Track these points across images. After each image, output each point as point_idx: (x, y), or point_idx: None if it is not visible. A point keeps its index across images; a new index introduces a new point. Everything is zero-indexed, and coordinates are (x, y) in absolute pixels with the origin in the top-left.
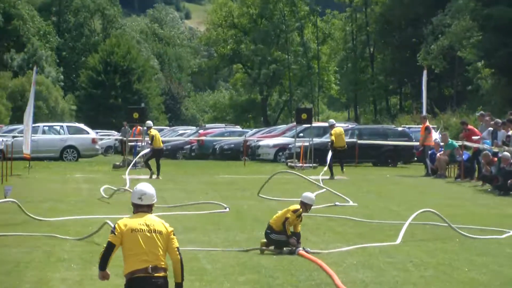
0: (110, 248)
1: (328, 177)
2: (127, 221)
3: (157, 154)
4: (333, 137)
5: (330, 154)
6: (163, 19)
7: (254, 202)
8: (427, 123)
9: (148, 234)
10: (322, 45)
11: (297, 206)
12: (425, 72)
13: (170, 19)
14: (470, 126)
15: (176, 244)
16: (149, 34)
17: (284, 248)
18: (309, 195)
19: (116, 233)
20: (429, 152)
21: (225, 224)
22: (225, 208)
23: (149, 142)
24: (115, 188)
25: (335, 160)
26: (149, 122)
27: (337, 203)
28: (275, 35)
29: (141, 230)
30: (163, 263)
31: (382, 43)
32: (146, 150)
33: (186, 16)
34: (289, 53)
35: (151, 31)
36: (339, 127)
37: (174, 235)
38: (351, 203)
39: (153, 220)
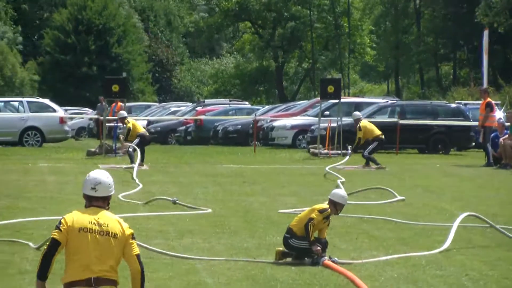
0: (54, 247)
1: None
2: (76, 216)
3: (144, 141)
4: (360, 134)
5: (373, 145)
6: None
7: (266, 199)
8: (489, 98)
9: (99, 237)
10: None
11: (325, 205)
12: (486, 33)
13: None
14: None
15: (136, 250)
16: None
17: (306, 258)
18: (340, 192)
19: (61, 229)
20: (491, 135)
21: (230, 227)
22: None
23: (124, 137)
24: (171, 199)
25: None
26: (123, 112)
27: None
28: None
29: (91, 230)
30: (113, 275)
31: None
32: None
33: None
34: (312, 8)
35: None
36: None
37: (134, 239)
38: (398, 197)
39: (108, 219)
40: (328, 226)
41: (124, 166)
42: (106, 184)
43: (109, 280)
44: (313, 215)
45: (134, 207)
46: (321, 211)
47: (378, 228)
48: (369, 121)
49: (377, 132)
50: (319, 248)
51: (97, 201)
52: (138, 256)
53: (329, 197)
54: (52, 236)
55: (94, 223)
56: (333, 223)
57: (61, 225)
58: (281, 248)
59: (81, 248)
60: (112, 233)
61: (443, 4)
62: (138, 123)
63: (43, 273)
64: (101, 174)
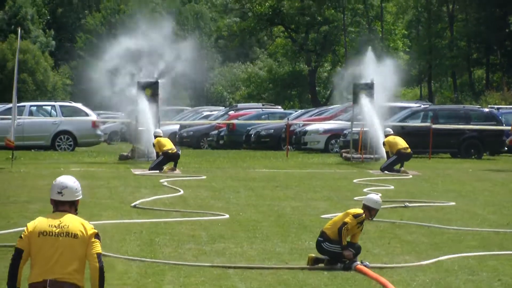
0: (17, 256)
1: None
2: (38, 221)
3: (169, 158)
4: (387, 148)
5: (392, 159)
6: None
7: (299, 203)
8: None
9: (58, 238)
10: (387, 2)
11: (360, 210)
12: None
13: None
14: None
15: (97, 249)
16: None
17: (338, 264)
18: (374, 197)
19: (23, 236)
20: None
21: (262, 232)
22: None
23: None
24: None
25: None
26: (158, 131)
27: (407, 203)
28: None
29: (50, 233)
30: (75, 278)
31: None
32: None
33: None
34: (346, 12)
35: None
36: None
37: (97, 238)
38: (449, 203)
39: (70, 221)
40: (362, 231)
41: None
42: (73, 189)
43: (68, 283)
44: (348, 220)
45: (166, 213)
46: (356, 216)
47: (410, 233)
48: (402, 125)
49: (400, 146)
50: (350, 252)
51: (63, 206)
52: (98, 254)
53: (363, 202)
54: (16, 245)
55: (54, 226)
56: (365, 228)
57: (23, 232)
58: (313, 254)
59: (40, 251)
60: (72, 233)
61: (477, 8)
62: (165, 140)
63: (12, 282)
64: (68, 179)
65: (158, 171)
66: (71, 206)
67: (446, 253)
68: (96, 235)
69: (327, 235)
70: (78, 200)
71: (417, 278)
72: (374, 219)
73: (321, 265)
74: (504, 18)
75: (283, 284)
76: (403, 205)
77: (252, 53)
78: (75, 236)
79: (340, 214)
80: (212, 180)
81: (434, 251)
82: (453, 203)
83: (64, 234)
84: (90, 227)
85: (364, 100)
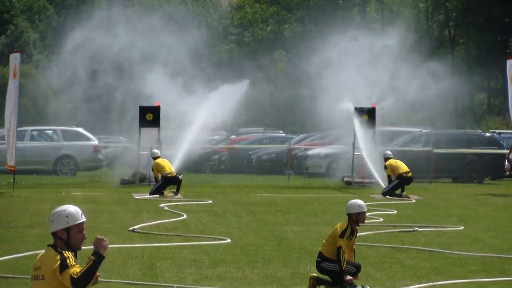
0: None
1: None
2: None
3: (169, 182)
4: (388, 172)
5: (393, 183)
6: None
7: (300, 228)
8: None
9: (33, 282)
10: (388, 26)
11: (343, 225)
12: (510, 62)
13: None
14: None
15: (67, 280)
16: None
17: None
18: (354, 202)
19: None
20: None
21: (264, 256)
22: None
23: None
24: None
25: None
26: (156, 152)
27: (416, 228)
28: (329, 13)
29: (31, 277)
30: None
31: (465, 23)
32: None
33: None
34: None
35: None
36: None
37: (63, 269)
38: (458, 227)
39: (44, 258)
40: (356, 237)
41: (165, 205)
42: (50, 220)
43: None
44: (340, 244)
45: (168, 237)
46: (342, 235)
47: (412, 257)
48: (403, 150)
49: (401, 170)
50: (351, 278)
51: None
52: (72, 279)
53: (346, 213)
54: None
55: (34, 268)
56: (366, 253)
57: None
58: (315, 274)
59: None
60: (40, 275)
61: (478, 33)
62: (164, 162)
63: None
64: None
65: (158, 195)
66: (55, 238)
67: (448, 278)
68: (61, 267)
69: (324, 255)
70: (58, 231)
71: None
72: (375, 244)
73: (322, 287)
74: (505, 43)
75: None
76: (413, 229)
77: (254, 77)
78: (42, 277)
79: (330, 232)
80: (214, 205)
81: (435, 276)
82: (461, 227)
83: (34, 277)
84: (54, 263)
85: (359, 124)
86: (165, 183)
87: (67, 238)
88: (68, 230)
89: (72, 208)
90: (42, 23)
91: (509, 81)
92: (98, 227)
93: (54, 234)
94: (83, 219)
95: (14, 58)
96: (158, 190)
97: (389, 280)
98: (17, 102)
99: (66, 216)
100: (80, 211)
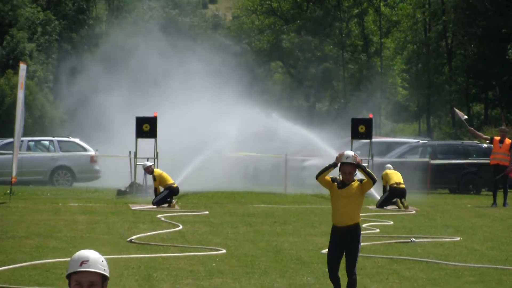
0: None
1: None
2: None
3: (174, 192)
4: (384, 182)
5: (385, 195)
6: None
7: (297, 239)
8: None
9: None
10: (386, 38)
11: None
12: None
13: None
14: None
15: None
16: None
17: None
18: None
19: None
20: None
21: (260, 267)
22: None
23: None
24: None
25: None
26: (147, 163)
27: (413, 239)
28: (327, 24)
29: None
30: None
31: (463, 34)
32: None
33: (210, 0)
34: (345, 48)
35: (169, 18)
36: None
37: None
38: (454, 238)
39: None
40: (366, 183)
41: (161, 216)
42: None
43: None
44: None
45: (165, 248)
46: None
47: (409, 268)
48: (400, 161)
49: (392, 181)
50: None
51: None
52: None
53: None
54: None
55: None
56: (363, 264)
57: None
58: None
59: None
60: None
61: (475, 43)
62: (165, 174)
63: None
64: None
65: (167, 205)
66: None
67: None
68: None
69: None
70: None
71: None
72: (371, 255)
73: None
74: (502, 54)
75: None
76: (410, 240)
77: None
78: None
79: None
80: (210, 216)
81: (432, 287)
82: (458, 238)
83: None
84: None
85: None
86: (170, 193)
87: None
88: (69, 278)
89: (78, 253)
90: (44, 36)
91: None
92: (95, 238)
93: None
94: (83, 269)
95: (22, 70)
96: (163, 200)
97: None
98: (22, 113)
99: (69, 261)
100: (86, 258)
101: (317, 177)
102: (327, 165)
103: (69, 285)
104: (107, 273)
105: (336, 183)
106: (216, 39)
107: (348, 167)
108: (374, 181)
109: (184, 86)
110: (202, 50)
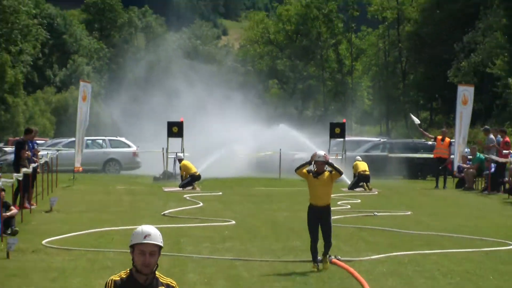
0: None
1: (363, 192)
2: None
3: (195, 179)
4: (354, 170)
5: (354, 180)
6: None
7: (289, 213)
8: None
9: None
10: (356, 61)
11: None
12: (460, 88)
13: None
14: (507, 138)
15: None
16: (190, 51)
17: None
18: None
19: None
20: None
21: (261, 234)
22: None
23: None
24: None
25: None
26: (180, 155)
27: (375, 213)
28: (311, 51)
29: None
30: None
31: (414, 59)
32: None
33: (223, 33)
34: (325, 69)
35: (193, 47)
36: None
37: None
38: (407, 212)
39: None
40: (332, 174)
41: (187, 195)
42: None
43: None
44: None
45: (189, 220)
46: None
47: (373, 235)
48: (366, 155)
49: (360, 169)
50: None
51: None
52: None
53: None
54: None
55: None
56: (338, 231)
57: None
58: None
59: None
60: None
61: (423, 66)
62: (190, 164)
63: None
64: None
65: (191, 187)
66: None
67: (399, 250)
68: None
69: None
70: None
71: (377, 269)
72: (346, 225)
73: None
74: (444, 74)
75: (277, 273)
76: (373, 214)
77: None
78: None
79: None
80: (223, 196)
81: (390, 249)
82: (409, 213)
83: None
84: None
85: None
86: (192, 180)
87: (132, 257)
88: (132, 249)
89: (141, 228)
90: (98, 61)
91: (459, 102)
92: (136, 213)
93: None
94: (146, 241)
95: (84, 86)
96: (188, 184)
97: (355, 252)
98: (85, 119)
99: (132, 234)
100: (149, 233)
101: (296, 170)
102: (303, 162)
103: (132, 252)
104: (162, 245)
105: (311, 174)
106: (227, 63)
107: (319, 163)
108: (340, 173)
109: (204, 97)
110: (217, 71)
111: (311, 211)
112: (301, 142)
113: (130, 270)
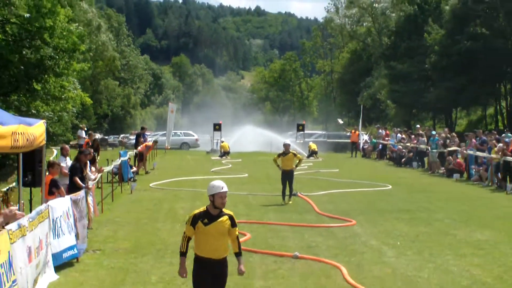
0: None
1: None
2: None
3: (227, 153)
4: (309, 148)
5: (308, 153)
6: (231, 79)
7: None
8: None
9: None
10: (310, 92)
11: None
12: (362, 107)
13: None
14: (388, 132)
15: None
16: (225, 87)
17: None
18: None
19: None
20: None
21: (264, 182)
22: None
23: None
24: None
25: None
26: (223, 140)
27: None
28: (288, 86)
29: None
30: None
31: (341, 90)
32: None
33: (241, 77)
34: (294, 95)
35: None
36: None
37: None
38: (335, 170)
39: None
40: (295, 156)
41: (224, 161)
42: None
43: None
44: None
45: (224, 173)
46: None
47: (317, 181)
48: (315, 140)
49: (312, 147)
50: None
51: None
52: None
53: None
54: None
55: None
56: (300, 179)
57: None
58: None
59: None
60: None
61: (345, 95)
62: (226, 144)
63: None
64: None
65: (225, 157)
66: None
67: (333, 189)
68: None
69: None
70: (209, 196)
71: (322, 199)
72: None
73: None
74: (356, 98)
75: (270, 203)
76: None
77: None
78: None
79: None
80: (243, 162)
81: (329, 188)
82: (337, 170)
83: None
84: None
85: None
86: (226, 153)
87: (212, 201)
88: (212, 196)
89: (217, 182)
90: (178, 92)
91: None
92: (195, 169)
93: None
94: (223, 190)
95: (172, 106)
96: (223, 155)
97: (310, 190)
98: (171, 122)
99: (212, 186)
100: (223, 186)
101: (273, 159)
102: (279, 153)
103: (213, 200)
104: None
105: (281, 155)
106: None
107: (286, 146)
108: (301, 157)
109: (231, 111)
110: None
111: (282, 174)
112: (268, 135)
113: (207, 207)
